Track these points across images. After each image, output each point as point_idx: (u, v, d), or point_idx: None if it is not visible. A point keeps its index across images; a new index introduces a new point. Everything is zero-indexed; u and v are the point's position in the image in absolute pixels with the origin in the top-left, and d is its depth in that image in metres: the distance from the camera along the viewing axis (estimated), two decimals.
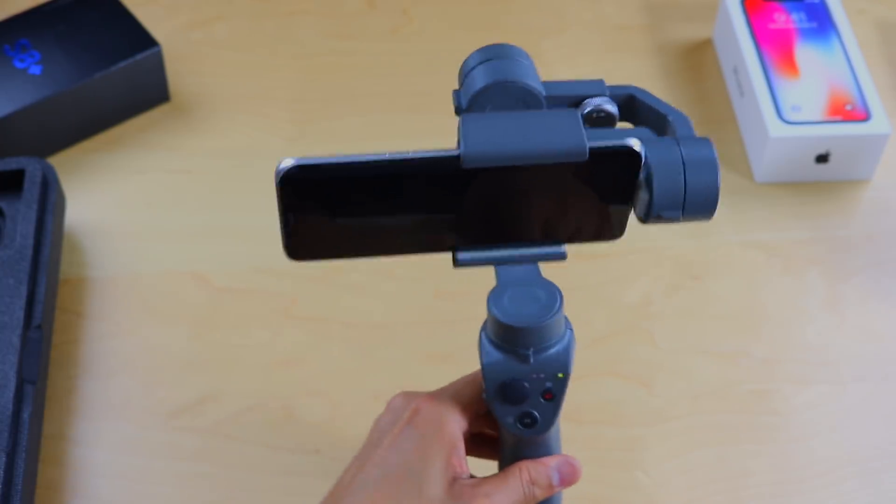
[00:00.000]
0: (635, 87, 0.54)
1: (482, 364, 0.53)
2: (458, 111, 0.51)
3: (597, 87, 0.54)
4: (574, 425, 0.73)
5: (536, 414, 0.53)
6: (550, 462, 0.56)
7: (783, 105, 0.85)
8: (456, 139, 0.48)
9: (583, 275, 0.81)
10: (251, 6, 0.97)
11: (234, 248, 0.82)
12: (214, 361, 0.76)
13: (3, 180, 0.78)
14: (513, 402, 0.53)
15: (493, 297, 0.52)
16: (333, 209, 0.48)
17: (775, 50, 0.88)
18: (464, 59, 0.53)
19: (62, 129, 0.86)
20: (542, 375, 0.52)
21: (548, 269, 0.81)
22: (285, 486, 0.71)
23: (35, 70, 0.85)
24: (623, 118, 0.54)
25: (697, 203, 0.50)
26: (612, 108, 0.53)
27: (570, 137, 0.47)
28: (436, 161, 0.47)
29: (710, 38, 0.96)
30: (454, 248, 0.51)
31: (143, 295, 0.79)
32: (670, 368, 0.76)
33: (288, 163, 0.46)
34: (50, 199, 0.78)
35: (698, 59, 0.95)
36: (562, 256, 0.52)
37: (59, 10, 0.89)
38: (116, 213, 0.83)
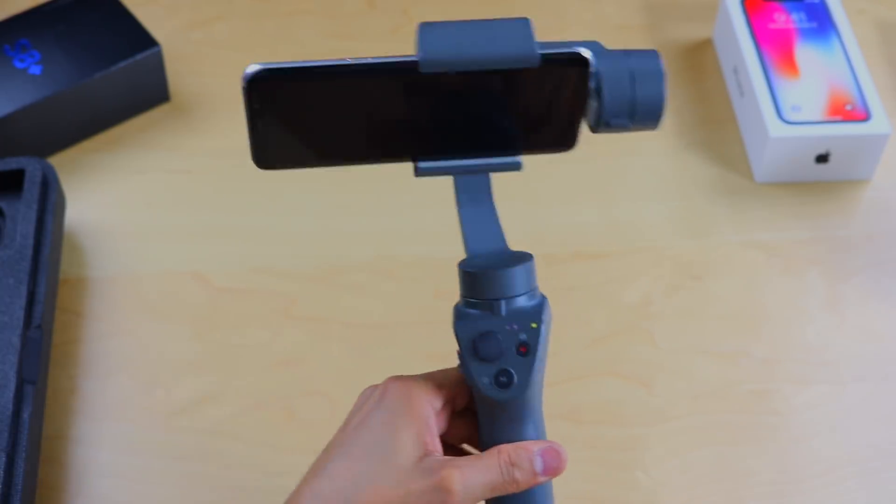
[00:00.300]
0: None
1: (453, 323, 0.52)
2: None
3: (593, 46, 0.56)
4: (574, 425, 0.73)
5: (512, 371, 0.52)
6: (532, 446, 0.52)
7: (783, 105, 0.85)
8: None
9: (583, 275, 0.81)
10: (251, 6, 0.97)
11: (234, 248, 0.82)
12: (214, 361, 0.76)
13: (3, 180, 0.78)
14: (487, 359, 0.52)
15: (467, 259, 0.53)
16: (297, 114, 0.50)
17: (775, 50, 0.88)
18: None
19: (62, 128, 0.86)
20: (516, 327, 0.52)
21: (548, 268, 0.82)
22: (285, 486, 0.71)
23: (35, 70, 0.85)
24: None
25: (645, 112, 0.52)
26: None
27: (522, 43, 0.49)
28: (394, 65, 0.49)
29: (710, 38, 0.96)
30: (415, 158, 0.52)
31: (143, 295, 0.79)
32: (670, 368, 0.76)
33: (254, 67, 0.49)
34: (50, 199, 0.78)
35: (698, 59, 0.95)
36: (517, 166, 0.53)
37: (59, 10, 0.89)
38: (116, 213, 0.83)
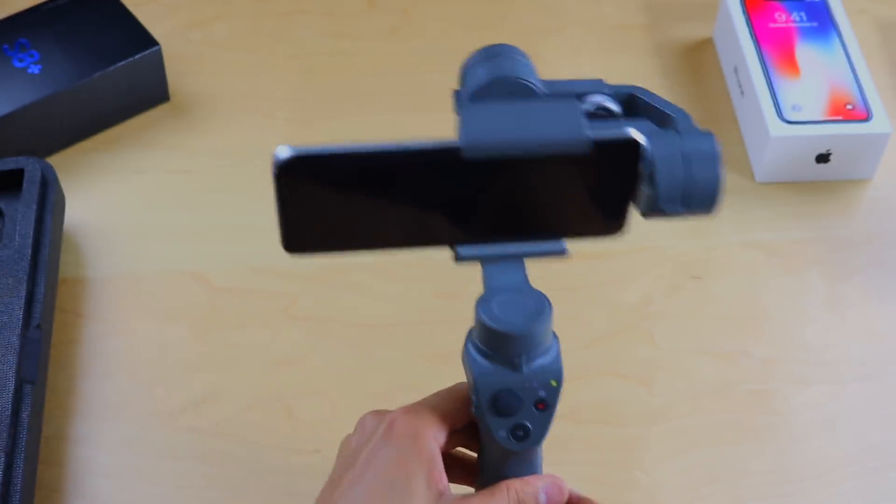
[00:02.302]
0: (636, 87, 0.54)
1: (473, 375, 0.52)
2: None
3: (597, 86, 0.53)
4: (574, 425, 0.73)
5: (529, 425, 0.53)
6: (538, 482, 0.54)
7: (784, 104, 0.85)
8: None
9: (583, 275, 0.81)
10: (251, 6, 0.97)
11: (234, 248, 0.81)
12: (214, 361, 0.76)
13: (2, 180, 0.78)
14: (505, 414, 0.52)
15: (482, 305, 0.51)
16: (330, 199, 0.47)
17: (776, 49, 0.88)
18: (464, 58, 0.53)
19: (61, 128, 0.86)
20: (535, 384, 0.52)
21: (548, 268, 0.81)
22: (285, 486, 0.71)
23: (34, 69, 0.85)
24: (624, 117, 0.54)
25: (700, 197, 0.49)
26: (613, 105, 0.53)
27: (571, 128, 0.46)
28: (435, 151, 0.46)
29: (711, 38, 0.96)
30: (454, 244, 0.50)
31: (143, 295, 0.79)
32: (670, 368, 0.76)
33: (285, 152, 0.45)
34: (49, 199, 0.78)
35: (698, 59, 0.95)
36: (563, 252, 0.50)
37: (59, 9, 0.89)
38: (116, 213, 0.83)
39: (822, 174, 0.86)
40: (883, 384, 0.76)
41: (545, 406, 0.52)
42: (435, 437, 0.53)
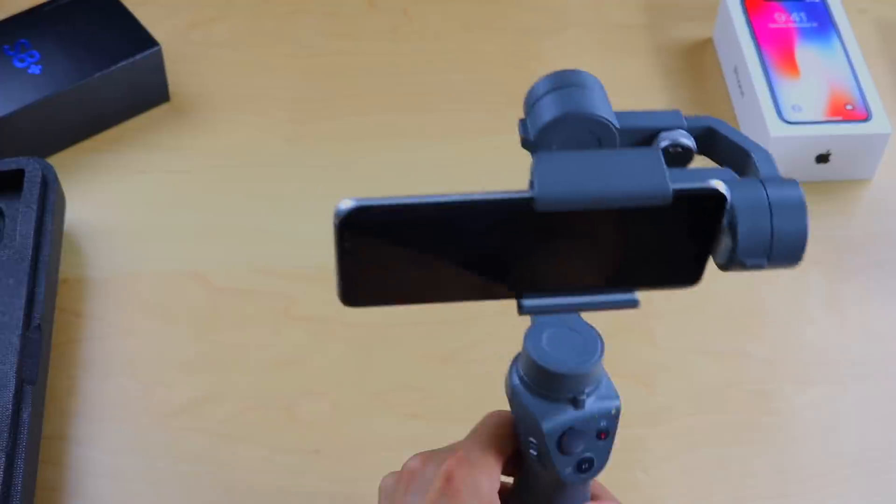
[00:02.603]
0: (713, 119, 0.51)
1: (534, 417, 0.50)
2: (525, 144, 0.48)
3: (673, 119, 0.51)
4: None
5: (594, 458, 0.52)
6: None
7: (783, 105, 0.85)
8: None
9: None
10: (251, 6, 0.97)
11: (234, 248, 0.81)
12: (214, 361, 0.76)
13: (2, 180, 0.78)
14: (572, 452, 0.51)
15: (533, 343, 0.50)
16: (393, 252, 0.44)
17: (776, 50, 0.88)
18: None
19: (62, 129, 0.86)
20: (597, 415, 0.51)
21: None
22: (285, 486, 0.71)
23: (35, 70, 0.85)
24: (700, 152, 0.51)
25: (784, 250, 0.46)
26: (689, 142, 0.50)
27: (652, 179, 0.43)
28: (507, 203, 0.43)
29: (711, 38, 0.96)
30: (519, 295, 0.47)
31: (143, 295, 0.79)
32: (670, 368, 0.76)
33: (348, 204, 0.42)
34: (50, 199, 0.78)
35: (698, 59, 0.95)
36: (634, 304, 0.48)
37: (59, 9, 0.89)
38: (116, 213, 0.83)
39: (822, 174, 0.86)
40: (883, 384, 0.76)
41: (607, 435, 0.51)
42: (493, 484, 0.51)
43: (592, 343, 0.51)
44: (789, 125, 0.83)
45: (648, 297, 0.79)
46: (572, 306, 0.47)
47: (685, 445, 0.73)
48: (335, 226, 0.43)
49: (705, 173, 0.46)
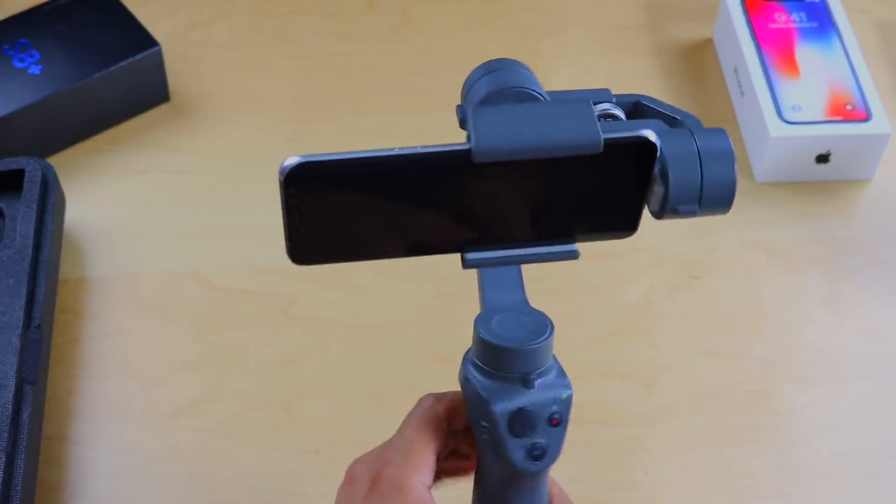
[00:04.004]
0: (642, 95, 0.53)
1: (482, 397, 0.51)
2: (463, 124, 0.49)
3: (603, 95, 0.52)
4: (574, 426, 0.73)
5: (545, 443, 0.51)
6: None
7: (783, 105, 0.85)
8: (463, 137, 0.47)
9: (583, 275, 0.81)
10: (251, 6, 0.97)
11: (234, 248, 0.82)
12: (214, 361, 0.76)
13: (2, 180, 0.78)
14: (522, 434, 0.51)
15: (484, 324, 0.51)
16: (338, 208, 0.46)
17: (776, 50, 0.88)
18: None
19: (62, 129, 0.86)
20: (548, 400, 0.51)
21: (548, 268, 0.81)
22: (285, 486, 0.71)
23: (35, 70, 0.85)
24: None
25: (714, 196, 0.49)
26: (619, 112, 0.52)
27: (583, 128, 0.45)
28: (446, 155, 0.45)
29: (711, 38, 0.96)
30: (462, 249, 0.49)
31: (143, 295, 0.79)
32: (670, 368, 0.76)
33: (292, 160, 0.44)
34: (50, 199, 0.78)
35: (698, 59, 0.95)
36: (574, 255, 0.49)
37: (59, 9, 0.89)
38: (116, 213, 0.83)
39: (822, 174, 0.86)
40: (883, 384, 0.76)
41: (559, 421, 0.51)
42: (421, 480, 0.51)
43: (542, 325, 0.51)
44: (789, 125, 0.83)
45: (648, 298, 0.80)
46: (515, 258, 0.49)
47: (685, 445, 0.73)
48: (280, 182, 0.44)
49: (636, 125, 0.48)
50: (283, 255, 0.49)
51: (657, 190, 0.49)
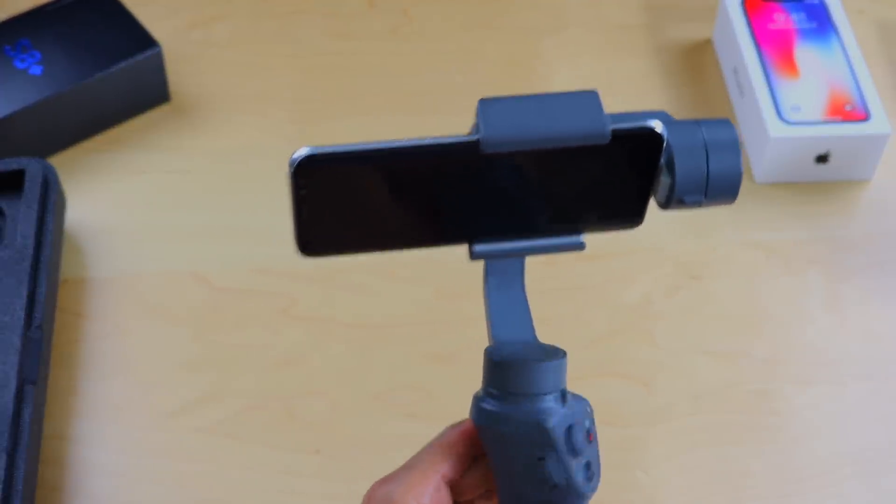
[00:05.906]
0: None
1: (539, 420, 0.48)
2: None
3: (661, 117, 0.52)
4: None
5: (592, 462, 0.50)
6: None
7: (783, 105, 0.85)
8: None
9: (583, 275, 0.81)
10: (251, 6, 0.97)
11: (234, 248, 0.82)
12: (214, 361, 0.76)
13: (3, 180, 0.78)
14: (580, 450, 0.49)
15: (500, 353, 0.49)
16: (347, 199, 0.46)
17: (775, 50, 0.88)
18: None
19: (62, 129, 0.86)
20: (582, 415, 0.50)
21: (548, 268, 0.81)
22: (285, 486, 0.71)
23: (35, 70, 0.85)
24: None
25: (720, 186, 0.49)
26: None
27: (591, 119, 0.45)
28: (455, 146, 0.45)
29: (710, 39, 0.96)
30: (470, 240, 0.49)
31: (143, 295, 0.79)
32: (670, 368, 0.76)
33: (302, 151, 0.45)
34: (50, 200, 0.78)
35: (698, 59, 0.95)
36: (580, 247, 0.50)
37: (60, 10, 0.89)
38: (116, 213, 0.83)
39: (822, 175, 0.86)
40: (883, 384, 0.76)
41: (593, 437, 0.50)
42: (416, 499, 0.50)
43: (550, 348, 0.50)
44: (789, 125, 0.83)
45: (648, 298, 0.80)
46: (522, 250, 0.49)
47: (685, 445, 0.73)
48: (290, 173, 0.45)
49: (643, 115, 0.48)
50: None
51: (663, 180, 0.49)
